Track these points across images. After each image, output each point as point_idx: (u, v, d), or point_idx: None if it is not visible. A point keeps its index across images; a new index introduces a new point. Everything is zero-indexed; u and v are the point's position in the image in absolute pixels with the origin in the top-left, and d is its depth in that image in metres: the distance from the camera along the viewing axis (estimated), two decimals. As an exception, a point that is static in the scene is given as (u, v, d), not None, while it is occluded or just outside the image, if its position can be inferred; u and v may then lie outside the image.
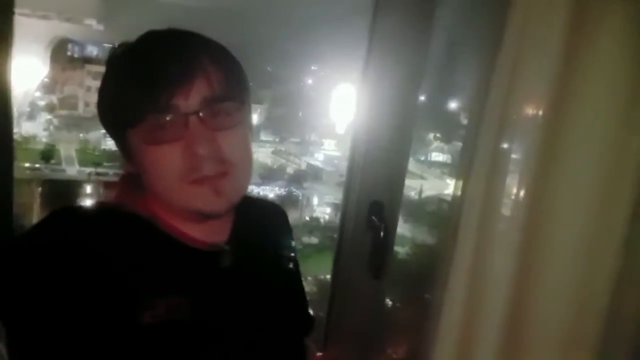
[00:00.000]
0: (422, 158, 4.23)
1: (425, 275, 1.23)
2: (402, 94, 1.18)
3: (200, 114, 0.64)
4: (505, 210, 1.09)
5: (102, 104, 0.71)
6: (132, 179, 0.73)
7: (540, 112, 1.06)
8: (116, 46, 0.72)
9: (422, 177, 3.96)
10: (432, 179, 3.93)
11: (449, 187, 1.18)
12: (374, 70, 1.16)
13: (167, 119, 0.63)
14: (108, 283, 0.62)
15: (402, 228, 3.20)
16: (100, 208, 0.73)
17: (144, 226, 0.69)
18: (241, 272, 0.74)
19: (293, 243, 0.90)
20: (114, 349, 0.62)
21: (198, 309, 0.67)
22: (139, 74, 0.65)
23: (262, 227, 0.83)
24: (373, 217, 1.20)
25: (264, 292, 0.77)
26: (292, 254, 0.89)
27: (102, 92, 0.71)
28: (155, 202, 0.70)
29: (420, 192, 3.89)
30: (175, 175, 0.65)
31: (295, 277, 0.89)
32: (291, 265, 0.87)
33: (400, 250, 3.14)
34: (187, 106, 0.63)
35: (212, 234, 0.73)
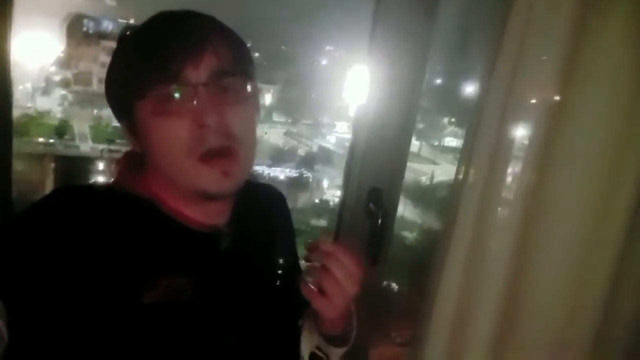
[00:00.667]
0: (435, 143, 4.19)
1: (430, 261, 1.22)
2: (404, 81, 1.17)
3: (209, 86, 0.65)
4: (505, 196, 1.08)
5: (111, 79, 0.71)
6: (134, 159, 0.73)
7: (544, 99, 1.05)
8: (128, 24, 0.72)
9: (434, 162, 3.92)
10: (444, 164, 3.89)
11: (455, 171, 1.17)
12: (377, 55, 1.14)
13: (177, 89, 0.64)
14: (107, 263, 0.63)
15: (412, 213, 3.19)
16: (101, 188, 0.73)
17: (144, 207, 0.70)
18: (240, 254, 0.75)
19: (292, 226, 0.91)
20: (114, 329, 0.62)
21: (197, 290, 0.68)
22: (151, 46, 0.66)
23: (261, 210, 0.83)
24: (371, 204, 1.20)
25: (262, 274, 0.77)
26: (292, 237, 0.89)
27: (112, 67, 0.71)
28: (156, 182, 0.71)
29: (432, 177, 3.85)
30: (183, 149, 0.66)
31: (294, 260, 0.89)
32: (290, 248, 0.88)
33: (409, 235, 3.13)
34: (197, 77, 0.65)
35: (212, 216, 0.73)
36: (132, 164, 0.74)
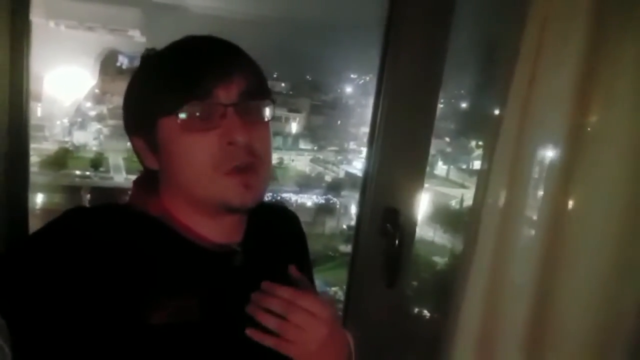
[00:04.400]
0: (464, 166, 4.13)
1: (452, 286, 1.19)
2: (419, 101, 1.17)
3: (238, 106, 0.68)
4: (526, 218, 1.05)
5: (132, 97, 0.74)
6: (145, 182, 0.75)
7: (562, 119, 1.03)
8: (148, 48, 0.76)
9: (463, 186, 3.86)
10: (473, 187, 3.82)
11: (474, 194, 1.15)
12: (390, 78, 1.15)
13: (208, 107, 0.67)
14: (117, 283, 0.63)
15: (442, 238, 3.12)
16: (112, 208, 0.75)
17: (156, 226, 0.71)
18: (253, 273, 0.75)
19: (307, 247, 0.91)
20: (123, 350, 0.62)
21: (207, 310, 0.68)
22: (183, 65, 0.70)
23: (274, 230, 0.84)
24: (387, 225, 1.19)
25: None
26: (307, 257, 0.89)
27: (134, 85, 0.74)
28: (170, 201, 0.72)
29: (462, 201, 3.79)
30: (209, 164, 0.68)
31: (308, 279, 0.88)
32: (304, 270, 0.87)
33: (440, 260, 3.08)
34: (227, 97, 0.68)
35: (226, 234, 0.74)
36: (144, 187, 0.76)
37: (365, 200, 1.23)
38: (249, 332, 0.70)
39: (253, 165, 0.71)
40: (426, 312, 2.41)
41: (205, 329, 0.69)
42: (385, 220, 1.19)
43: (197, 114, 0.69)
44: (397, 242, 1.15)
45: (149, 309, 0.65)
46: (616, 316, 1.03)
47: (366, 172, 1.25)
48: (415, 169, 1.20)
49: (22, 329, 0.63)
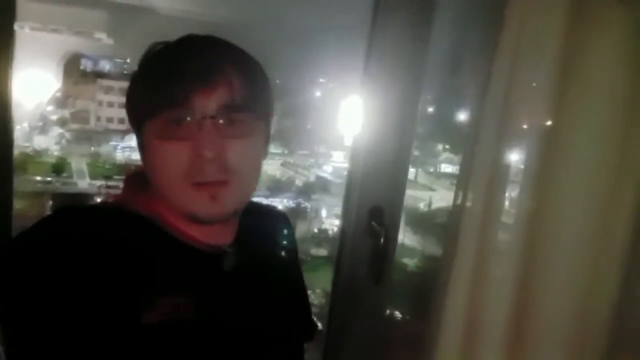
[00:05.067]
0: (431, 169, 4.21)
1: (432, 288, 1.22)
2: (402, 100, 1.19)
3: (215, 120, 0.65)
4: (505, 220, 1.08)
5: (129, 94, 0.73)
6: (137, 179, 0.74)
7: (539, 120, 1.06)
8: (157, 41, 0.74)
9: (431, 189, 3.93)
10: (441, 190, 3.90)
11: (454, 197, 1.18)
12: (374, 78, 1.16)
13: (182, 117, 0.65)
14: (107, 282, 0.62)
15: (411, 240, 3.17)
16: (102, 207, 0.74)
17: (146, 226, 0.70)
18: (243, 274, 0.74)
19: (296, 248, 0.91)
20: (114, 349, 0.61)
21: (199, 310, 0.67)
22: (164, 69, 0.67)
23: (265, 231, 0.83)
24: (373, 223, 1.20)
25: (265, 295, 0.77)
26: (295, 259, 0.89)
27: (132, 82, 0.73)
28: (159, 201, 0.71)
29: (430, 204, 3.86)
30: (179, 174, 0.67)
31: (297, 282, 0.89)
32: (294, 270, 0.87)
33: (409, 262, 3.11)
34: (204, 108, 0.65)
35: (215, 237, 0.73)
36: (136, 184, 0.74)
37: (350, 199, 1.24)
38: None
39: (222, 181, 0.69)
40: (397, 314, 2.44)
41: (196, 328, 0.68)
42: (370, 218, 1.20)
43: (172, 122, 0.67)
44: (382, 239, 1.16)
45: (140, 308, 0.64)
46: (593, 313, 1.07)
47: (351, 172, 1.27)
48: (398, 167, 1.22)
49: (14, 329, 0.61)
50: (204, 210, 0.68)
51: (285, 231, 0.90)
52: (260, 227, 0.81)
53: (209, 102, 0.65)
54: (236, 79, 0.67)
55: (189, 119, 0.65)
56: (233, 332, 0.72)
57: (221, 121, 0.66)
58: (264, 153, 0.75)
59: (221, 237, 0.74)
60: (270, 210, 0.93)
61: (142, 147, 0.71)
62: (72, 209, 0.70)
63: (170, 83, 0.66)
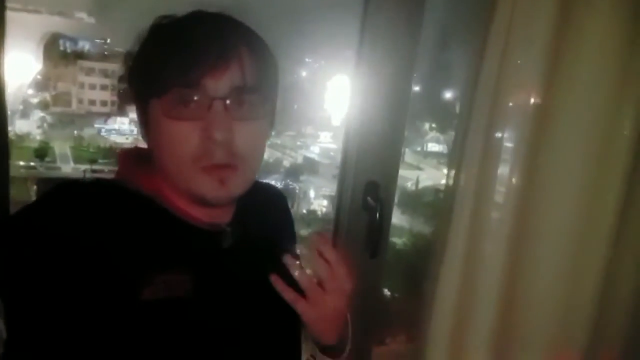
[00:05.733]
0: (418, 149, 4.23)
1: (423, 266, 1.24)
2: (396, 76, 1.19)
3: (227, 101, 0.65)
4: (498, 199, 1.10)
5: (134, 69, 0.71)
6: (133, 154, 0.73)
7: (530, 100, 1.07)
8: (163, 15, 0.72)
9: (418, 168, 3.96)
10: (428, 169, 3.93)
11: (446, 177, 1.19)
12: (368, 54, 1.16)
13: (193, 97, 0.64)
14: (107, 259, 0.62)
15: (399, 219, 3.20)
16: (103, 183, 0.73)
17: (145, 202, 0.70)
18: (242, 252, 0.75)
19: (293, 225, 0.92)
20: (113, 325, 0.62)
21: (197, 288, 0.67)
22: (176, 46, 0.66)
23: (264, 209, 0.84)
24: (369, 198, 1.21)
25: (263, 273, 0.78)
26: (293, 236, 0.90)
27: (138, 56, 0.71)
28: (161, 178, 0.71)
29: (417, 183, 3.89)
30: (188, 156, 0.67)
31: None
32: (291, 247, 0.88)
33: (398, 241, 3.15)
34: (216, 89, 0.65)
35: (215, 216, 0.74)
36: (133, 160, 0.74)
37: (346, 175, 1.25)
38: (274, 279, 0.71)
39: (231, 165, 0.69)
40: (387, 292, 2.47)
41: (195, 305, 0.69)
42: (366, 193, 1.21)
43: (182, 102, 0.66)
44: (378, 214, 1.18)
45: (140, 284, 0.64)
46: (582, 289, 1.09)
47: (345, 148, 1.27)
48: (393, 143, 1.23)
49: (14, 304, 0.61)
50: (212, 193, 0.69)
51: (283, 208, 0.91)
52: (258, 204, 0.81)
53: (221, 83, 0.66)
54: (248, 60, 0.67)
55: (197, 98, 0.65)
56: (230, 308, 0.73)
57: (231, 103, 0.65)
58: (268, 136, 0.76)
59: (221, 216, 0.75)
60: (266, 187, 0.93)
61: (144, 124, 0.70)
62: (74, 182, 0.69)
63: (183, 62, 0.65)
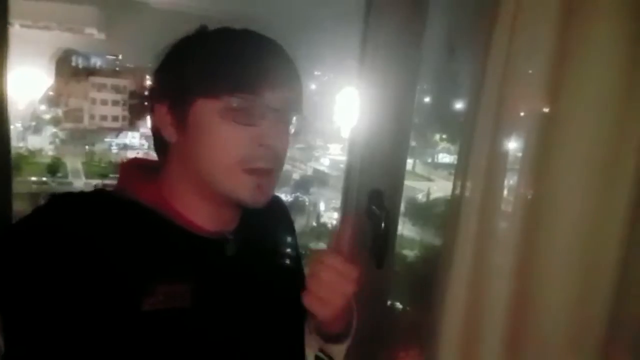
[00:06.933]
0: (429, 160, 4.21)
1: (433, 278, 1.22)
2: (399, 89, 1.18)
3: (280, 113, 0.68)
4: (504, 209, 1.08)
5: (171, 63, 0.72)
6: (134, 166, 0.73)
7: (536, 108, 1.06)
8: (203, 24, 0.74)
9: (429, 179, 3.93)
10: (439, 180, 3.90)
11: (452, 187, 1.18)
12: (370, 67, 1.16)
13: (251, 104, 0.66)
14: (106, 270, 0.61)
15: (410, 230, 3.17)
16: (100, 194, 0.72)
17: (146, 213, 0.69)
18: (245, 261, 0.74)
19: (295, 235, 0.91)
20: (113, 337, 0.61)
21: (199, 297, 0.67)
22: (242, 55, 0.68)
23: (266, 218, 0.83)
24: (373, 207, 1.20)
25: (265, 282, 0.77)
26: (295, 246, 0.89)
27: (178, 51, 0.72)
28: (169, 186, 0.71)
29: (428, 194, 3.86)
30: (235, 158, 0.68)
31: (297, 269, 0.89)
32: (294, 258, 0.87)
33: (409, 253, 3.12)
34: (273, 100, 0.67)
35: (220, 224, 0.73)
36: (140, 170, 0.74)
37: (350, 184, 1.24)
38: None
39: (272, 170, 0.71)
40: (398, 304, 2.44)
41: (196, 315, 0.68)
42: (370, 202, 1.20)
43: (239, 107, 0.67)
44: (383, 223, 1.16)
45: (141, 295, 0.64)
46: (592, 300, 1.07)
47: (350, 156, 1.27)
48: (397, 154, 1.22)
49: (12, 318, 0.60)
50: (250, 197, 0.70)
51: (285, 217, 0.91)
52: (261, 213, 0.81)
53: (277, 96, 0.68)
54: (295, 81, 0.72)
55: (255, 105, 0.67)
56: (232, 318, 0.72)
57: (283, 114, 0.69)
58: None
59: (225, 224, 0.75)
60: (272, 199, 0.94)
61: (178, 121, 0.70)
62: (69, 195, 0.68)
63: (249, 69, 0.68)
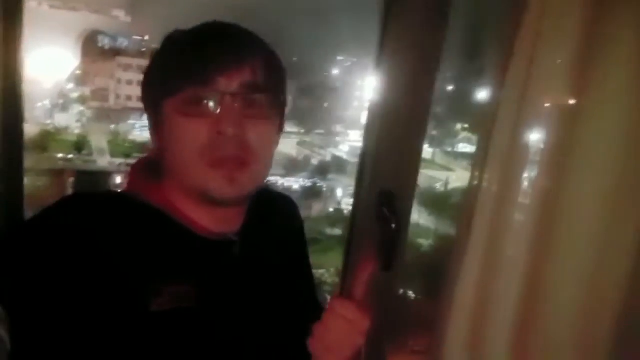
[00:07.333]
0: (449, 149, 4.17)
1: (445, 268, 1.22)
2: (417, 82, 1.17)
3: (237, 97, 0.66)
4: (521, 201, 1.07)
5: (148, 75, 0.73)
6: (144, 167, 0.74)
7: (559, 103, 1.04)
8: (177, 29, 0.75)
9: (448, 169, 3.90)
10: (459, 170, 3.87)
11: (470, 177, 1.17)
12: (390, 55, 1.15)
13: (206, 94, 0.66)
14: (115, 270, 0.63)
15: (427, 220, 3.16)
16: (110, 196, 0.74)
17: (154, 214, 0.70)
18: (251, 262, 0.75)
19: (305, 236, 0.91)
20: (121, 337, 0.62)
21: (205, 298, 0.68)
22: (191, 48, 0.68)
23: (273, 219, 0.83)
24: (384, 208, 1.19)
25: (271, 283, 0.78)
26: (303, 247, 0.89)
27: (152, 63, 0.73)
28: (172, 188, 0.71)
29: (447, 184, 3.83)
30: (196, 151, 0.66)
31: (304, 269, 0.89)
32: (301, 258, 0.88)
33: (424, 242, 3.11)
34: (227, 86, 0.66)
35: (224, 224, 0.73)
36: (148, 171, 0.75)
37: (362, 184, 1.23)
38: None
39: (241, 158, 0.69)
40: (411, 294, 2.45)
41: (203, 316, 0.70)
42: (381, 203, 1.19)
43: (194, 98, 0.68)
44: (393, 225, 1.15)
45: (148, 295, 0.65)
46: (605, 296, 1.06)
47: (363, 155, 1.25)
48: (411, 152, 1.20)
49: (20, 316, 0.62)
50: (219, 190, 0.68)
51: (294, 218, 0.90)
52: (268, 214, 0.82)
53: (231, 81, 0.66)
54: (258, 62, 0.68)
55: (210, 96, 0.66)
56: (238, 318, 0.73)
57: (241, 99, 0.66)
58: (276, 142, 0.76)
59: (229, 224, 0.74)
60: (277, 197, 0.93)
61: (156, 127, 0.72)
62: (80, 196, 0.70)
63: (196, 62, 0.67)
